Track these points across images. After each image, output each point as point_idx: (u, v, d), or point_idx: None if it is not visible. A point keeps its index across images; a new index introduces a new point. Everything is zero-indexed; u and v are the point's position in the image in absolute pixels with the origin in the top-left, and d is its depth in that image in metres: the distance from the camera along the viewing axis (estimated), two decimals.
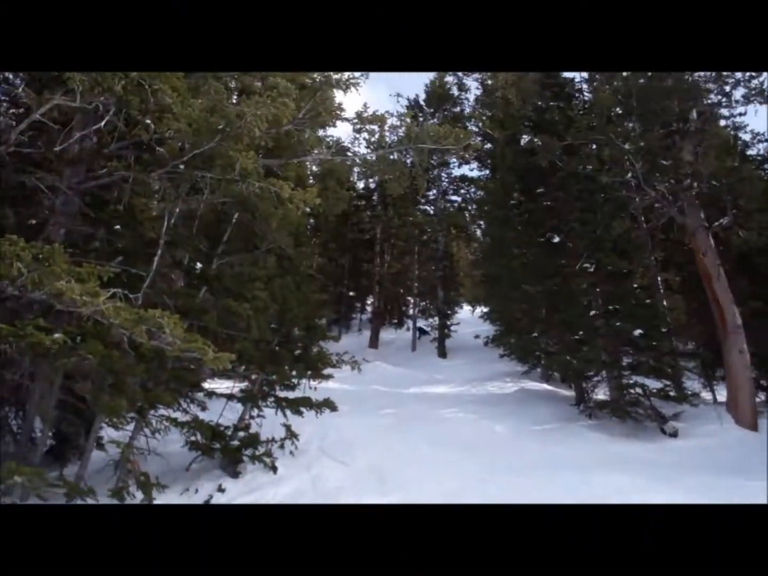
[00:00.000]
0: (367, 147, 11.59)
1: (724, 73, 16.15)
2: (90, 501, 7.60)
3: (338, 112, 10.39)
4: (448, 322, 31.50)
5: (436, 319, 31.90)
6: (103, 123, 8.17)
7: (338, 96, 10.22)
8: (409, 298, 36.44)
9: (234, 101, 8.87)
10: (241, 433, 9.89)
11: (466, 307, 35.98)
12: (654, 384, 15.37)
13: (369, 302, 39.11)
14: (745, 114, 16.89)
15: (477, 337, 27.98)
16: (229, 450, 9.39)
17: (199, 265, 10.60)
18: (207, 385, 12.07)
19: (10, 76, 9.21)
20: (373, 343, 32.38)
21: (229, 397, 10.24)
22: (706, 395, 18.25)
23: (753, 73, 15.82)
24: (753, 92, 16.03)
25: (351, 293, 37.55)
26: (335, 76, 10.23)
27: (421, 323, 33.45)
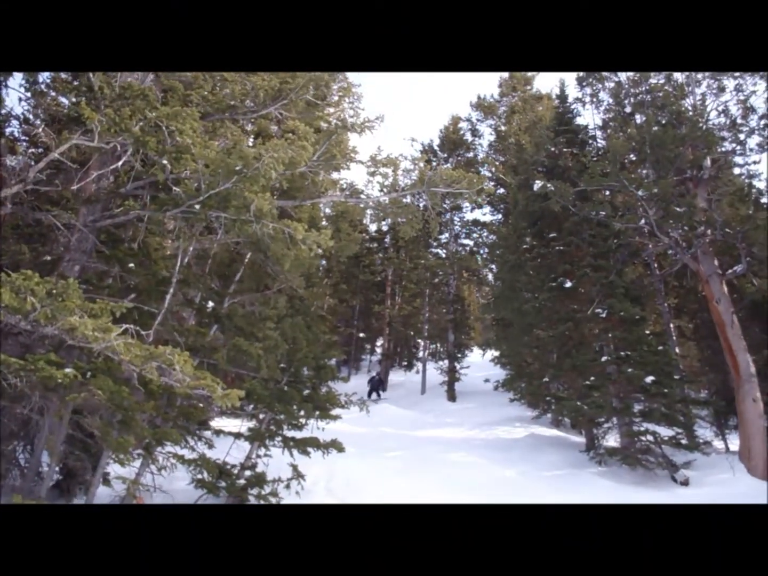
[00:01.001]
0: (381, 190, 11.69)
1: (739, 121, 16.29)
2: None
3: (352, 154, 10.55)
4: (458, 366, 31.39)
5: (446, 362, 31.76)
6: (120, 163, 8.32)
7: (353, 139, 10.35)
8: (420, 340, 36.34)
9: (250, 143, 9.00)
10: (248, 472, 9.86)
11: (477, 351, 35.82)
12: (665, 431, 15.23)
13: (379, 344, 39.08)
14: (759, 162, 17.05)
15: (487, 380, 27.86)
16: (234, 489, 9.36)
17: (210, 303, 10.66)
18: (215, 423, 12.07)
19: (30, 117, 9.40)
20: (383, 385, 32.28)
21: (237, 435, 10.23)
22: (719, 444, 18.08)
23: (767, 122, 15.96)
24: (767, 141, 16.15)
25: (361, 334, 37.58)
26: (351, 119, 10.39)
27: (431, 366, 33.26)
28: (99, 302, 6.31)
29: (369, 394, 29.39)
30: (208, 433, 10.49)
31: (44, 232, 9.12)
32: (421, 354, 35.42)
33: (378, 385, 30.99)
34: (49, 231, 8.96)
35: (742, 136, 16.61)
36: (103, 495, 9.19)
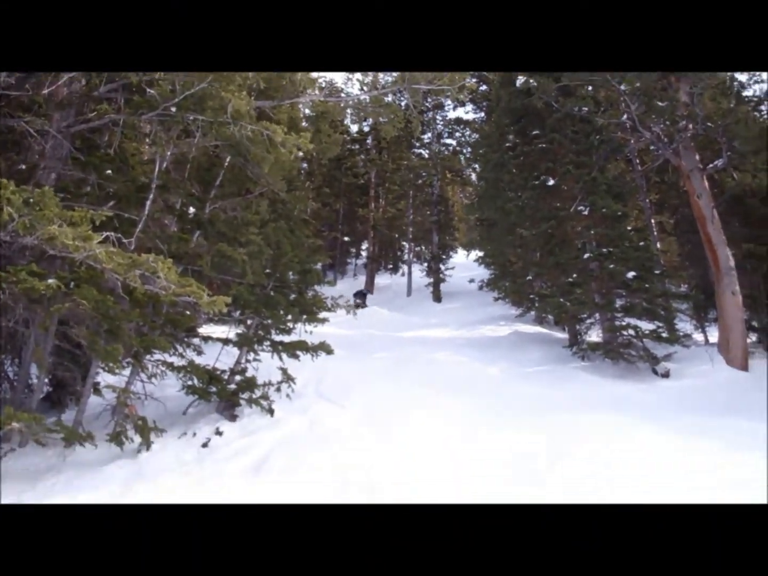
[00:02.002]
0: (361, 88, 11.43)
1: None
2: (88, 446, 7.67)
3: None
4: (443, 267, 31.53)
5: (431, 263, 31.88)
6: None
7: None
8: (404, 242, 36.38)
9: None
10: (238, 377, 9.94)
11: (461, 252, 35.92)
12: (646, 326, 15.43)
13: (364, 247, 39.11)
14: None
15: (472, 281, 28.05)
16: (225, 393, 9.44)
17: (191, 209, 10.53)
18: (202, 330, 12.11)
19: None
20: (369, 288, 32.47)
21: (225, 341, 10.26)
22: (698, 337, 18.37)
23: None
24: None
25: (346, 238, 37.56)
26: None
27: (416, 268, 33.35)
28: (78, 210, 6.20)
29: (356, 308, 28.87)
30: (196, 340, 10.51)
31: (17, 139, 8.85)
32: (406, 256, 35.51)
33: (363, 298, 30.23)
34: (23, 138, 8.70)
35: None
36: (94, 404, 9.26)
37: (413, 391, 11.23)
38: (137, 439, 8.16)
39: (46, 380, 9.61)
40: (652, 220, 22.24)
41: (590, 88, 18.70)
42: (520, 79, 19.35)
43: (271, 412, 9.42)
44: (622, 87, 16.14)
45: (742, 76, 18.00)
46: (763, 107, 19.14)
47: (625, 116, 16.90)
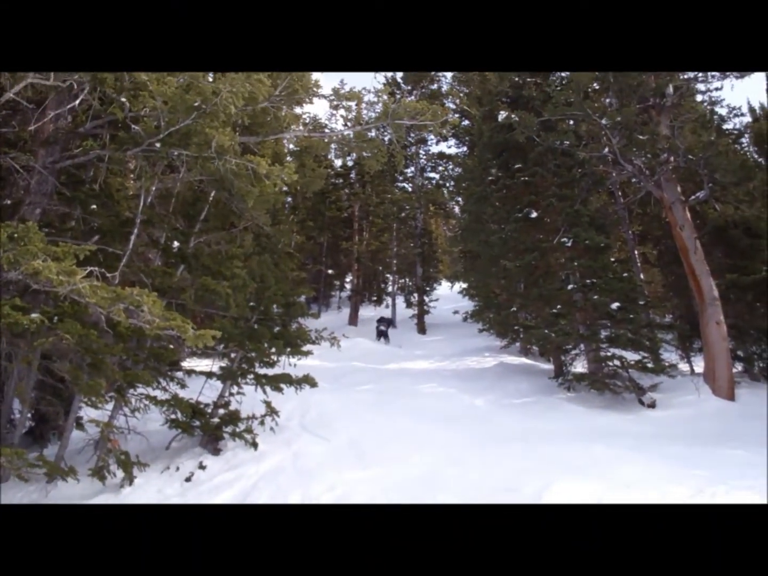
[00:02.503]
0: (345, 124, 11.56)
1: None
2: (71, 480, 7.63)
3: (315, 88, 10.35)
4: (427, 299, 31.61)
5: (415, 295, 31.94)
6: (77, 102, 8.13)
7: (315, 73, 10.16)
8: (388, 275, 36.44)
9: (210, 80, 8.82)
10: (221, 411, 9.91)
11: (445, 284, 36.02)
12: (632, 356, 15.48)
13: (348, 280, 39.11)
14: (721, 88, 17.05)
15: (456, 312, 28.06)
16: (209, 427, 9.42)
17: (176, 243, 10.55)
18: (186, 363, 12.07)
19: None
20: (353, 320, 32.44)
21: (209, 375, 10.24)
22: (684, 367, 18.46)
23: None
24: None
25: (330, 271, 37.52)
26: None
27: (400, 300, 33.41)
28: (62, 245, 6.23)
29: (378, 337, 27.92)
30: (179, 374, 10.49)
31: (2, 175, 8.90)
32: (390, 288, 35.57)
33: (387, 326, 28.86)
34: (8, 174, 8.75)
35: None
36: (76, 439, 9.21)
37: (399, 423, 11.22)
38: (120, 473, 8.13)
39: (29, 415, 9.55)
40: (636, 252, 22.45)
41: (571, 122, 18.96)
42: (502, 114, 19.56)
43: (254, 445, 9.40)
44: (603, 121, 16.37)
45: (722, 110, 18.37)
46: (743, 140, 19.51)
47: (606, 149, 17.10)
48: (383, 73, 35.36)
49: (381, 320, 28.89)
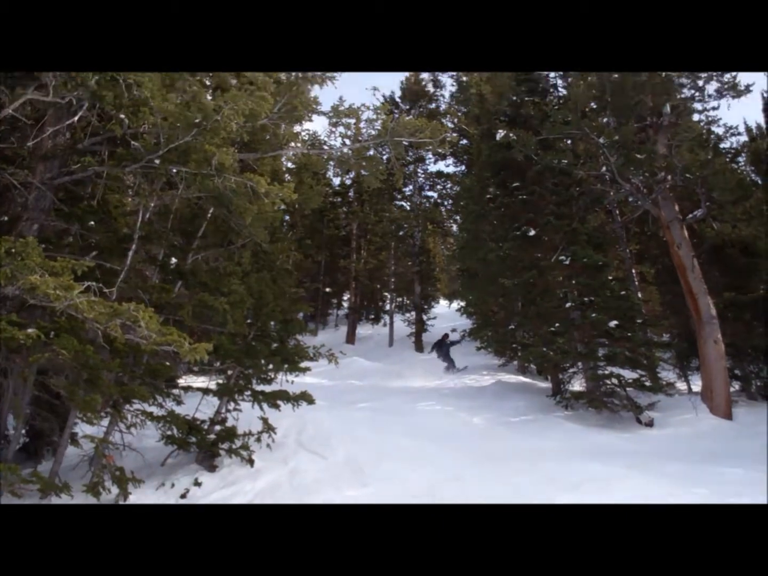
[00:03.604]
0: (343, 141, 11.60)
1: None
2: (65, 497, 7.58)
3: (314, 106, 10.39)
4: (425, 317, 31.61)
5: (413, 314, 31.93)
6: (76, 118, 8.15)
7: (314, 90, 10.20)
8: (386, 293, 36.44)
9: (209, 97, 8.85)
10: (218, 427, 9.87)
11: (443, 302, 36.06)
12: (629, 374, 15.49)
13: (346, 298, 39.11)
14: (718, 108, 17.18)
15: (454, 330, 28.06)
16: (205, 444, 9.37)
17: (174, 260, 10.56)
18: (183, 380, 12.04)
19: None
20: (350, 338, 32.43)
21: (205, 391, 10.21)
22: (681, 385, 18.49)
23: None
24: (725, 86, 16.26)
25: (328, 289, 37.55)
26: None
27: (398, 318, 33.35)
28: (60, 260, 6.23)
29: (446, 360, 23.45)
30: (176, 390, 10.45)
31: (1, 191, 8.92)
32: (388, 307, 35.55)
33: (448, 348, 23.77)
34: (6, 190, 8.77)
35: (700, 83, 16.66)
36: (71, 455, 9.16)
37: (396, 441, 11.17)
38: (114, 489, 8.08)
39: (23, 430, 9.50)
40: (633, 270, 22.54)
41: (569, 141, 19.07)
42: (500, 133, 19.67)
43: (251, 462, 9.35)
44: (601, 140, 16.47)
45: (718, 129, 18.48)
46: (740, 159, 19.64)
47: (604, 168, 17.22)
48: (382, 92, 35.65)
49: (439, 345, 24.21)
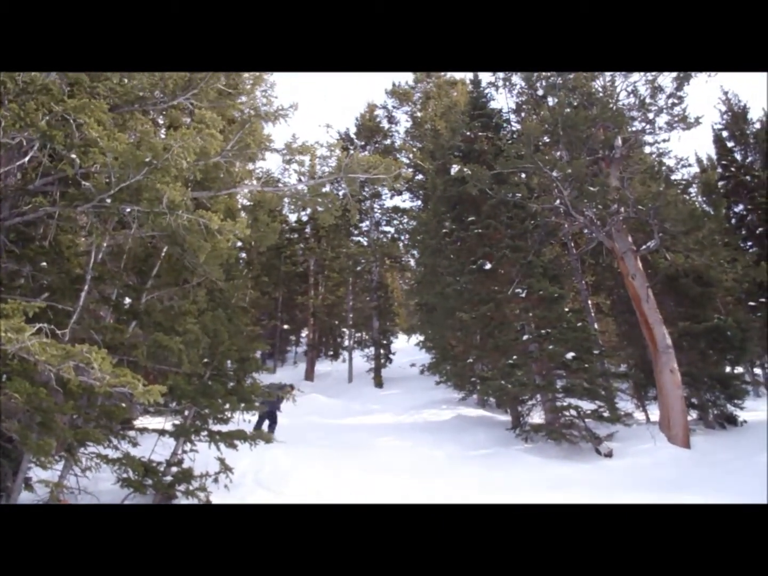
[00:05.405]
0: (298, 178, 11.65)
1: (648, 101, 16.85)
2: None
3: (267, 143, 10.43)
4: (384, 352, 31.61)
5: (372, 349, 31.92)
6: (27, 159, 8.08)
7: (267, 128, 10.24)
8: (345, 329, 36.40)
9: (162, 135, 8.85)
10: (174, 469, 9.72)
11: (402, 337, 36.13)
12: (588, 405, 15.68)
13: (304, 335, 39.01)
14: (668, 140, 17.66)
15: (413, 365, 28.13)
16: (161, 486, 9.23)
17: (127, 300, 10.45)
18: (138, 422, 11.86)
19: None
20: (309, 375, 32.31)
21: (161, 432, 10.07)
22: (640, 415, 18.73)
23: (675, 101, 16.55)
24: (676, 119, 16.74)
25: (286, 326, 37.44)
26: (264, 107, 10.32)
27: (357, 354, 33.29)
28: (11, 302, 6.14)
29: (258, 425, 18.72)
30: (131, 432, 10.29)
31: None
32: (347, 343, 35.50)
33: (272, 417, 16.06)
34: None
35: (651, 116, 17.18)
36: (25, 500, 8.94)
37: (355, 477, 11.13)
38: None
39: None
40: (589, 301, 22.90)
41: (523, 175, 19.40)
42: (455, 168, 19.92)
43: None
44: (554, 173, 16.77)
45: (670, 161, 18.98)
46: (691, 189, 20.17)
47: (558, 201, 17.52)
48: (336, 129, 35.93)
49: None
